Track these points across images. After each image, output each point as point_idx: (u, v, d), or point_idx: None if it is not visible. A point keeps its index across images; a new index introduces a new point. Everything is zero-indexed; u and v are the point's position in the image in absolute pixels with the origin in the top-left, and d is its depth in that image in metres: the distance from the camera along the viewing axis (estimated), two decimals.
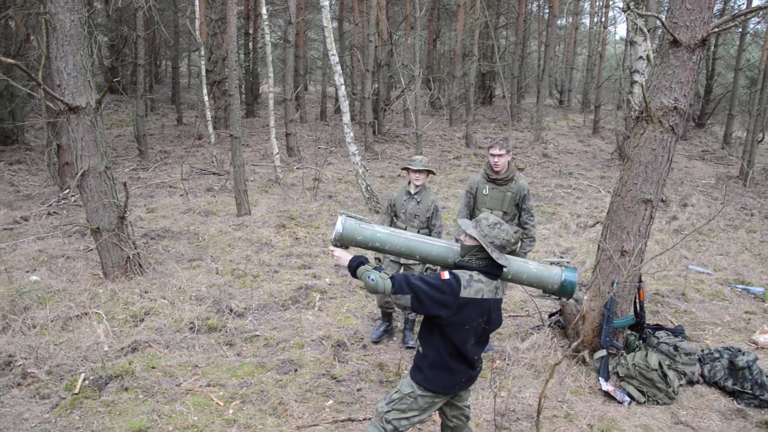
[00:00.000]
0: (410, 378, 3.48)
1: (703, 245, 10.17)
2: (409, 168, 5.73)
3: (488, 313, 3.32)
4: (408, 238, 3.64)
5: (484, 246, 3.25)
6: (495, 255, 3.24)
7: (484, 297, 3.25)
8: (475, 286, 3.23)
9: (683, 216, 11.95)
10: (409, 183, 5.80)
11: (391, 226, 5.82)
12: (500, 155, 5.61)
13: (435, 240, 3.69)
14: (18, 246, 8.34)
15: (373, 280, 3.23)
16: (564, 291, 3.50)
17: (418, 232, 5.67)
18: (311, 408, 4.82)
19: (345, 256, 3.49)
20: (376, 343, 5.96)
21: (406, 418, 3.46)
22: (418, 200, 5.75)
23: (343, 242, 3.61)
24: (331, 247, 3.60)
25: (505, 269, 3.43)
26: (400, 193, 5.88)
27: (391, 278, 3.23)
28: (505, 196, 5.74)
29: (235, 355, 5.70)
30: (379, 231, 3.63)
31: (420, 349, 3.47)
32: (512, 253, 5.70)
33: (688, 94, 5.19)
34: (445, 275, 3.24)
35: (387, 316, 6.07)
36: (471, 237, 3.33)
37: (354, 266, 3.39)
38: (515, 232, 5.76)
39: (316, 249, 8.99)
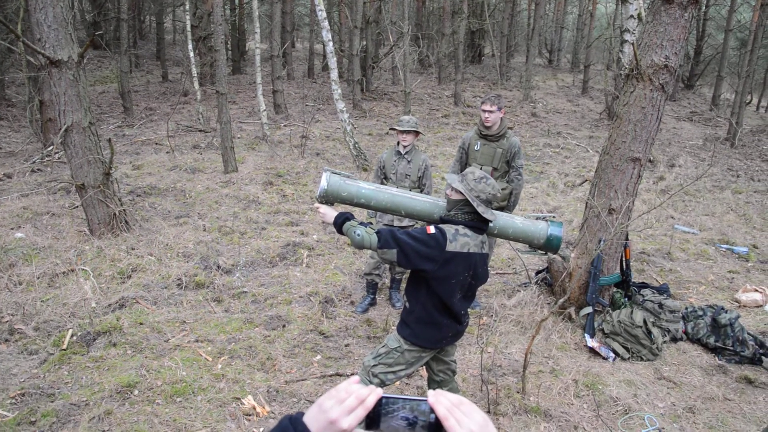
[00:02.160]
0: (397, 333, 3.50)
1: (690, 205, 10.24)
2: (396, 129, 5.67)
3: (474, 268, 3.33)
4: (393, 193, 3.61)
5: (470, 200, 3.23)
6: (481, 209, 3.23)
7: (470, 251, 3.26)
8: (460, 240, 3.22)
9: (670, 176, 12.00)
10: (398, 143, 5.73)
11: None
12: (491, 111, 5.56)
13: (420, 195, 3.67)
14: (1, 203, 8.24)
15: (359, 235, 3.22)
16: (550, 245, 3.51)
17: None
18: (299, 363, 4.86)
19: (330, 212, 3.47)
20: (363, 312, 5.90)
21: (393, 372, 3.49)
22: (409, 160, 5.67)
23: (328, 199, 3.59)
24: (317, 204, 3.58)
25: (491, 224, 3.43)
26: (390, 154, 5.78)
27: (377, 233, 3.22)
28: (495, 152, 5.71)
29: (223, 311, 5.71)
30: (365, 187, 3.60)
31: (407, 304, 3.48)
32: (501, 209, 5.72)
33: (679, 53, 5.14)
34: (431, 229, 3.23)
35: (372, 287, 6.00)
36: (457, 191, 3.31)
37: (339, 222, 3.37)
38: (503, 189, 5.76)
39: (304, 206, 8.96)
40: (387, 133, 14.58)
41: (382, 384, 3.50)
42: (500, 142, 5.72)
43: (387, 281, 6.39)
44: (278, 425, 1.17)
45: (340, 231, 3.38)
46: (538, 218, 3.62)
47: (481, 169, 5.70)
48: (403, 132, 5.59)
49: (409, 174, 5.66)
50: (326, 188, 3.54)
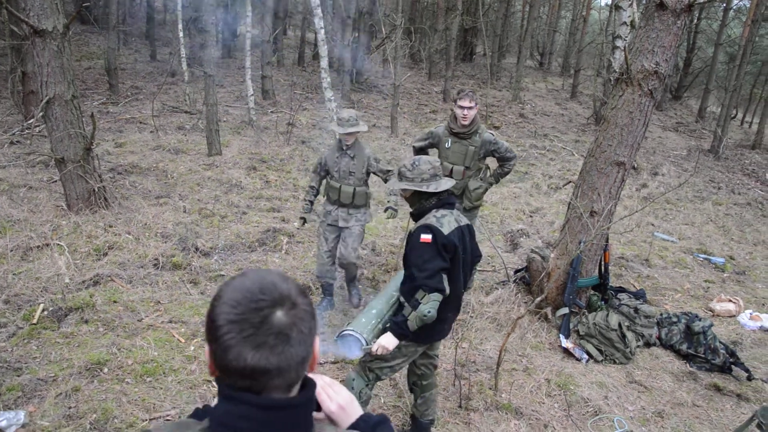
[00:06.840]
0: None
1: (670, 214, 10.32)
2: (335, 131, 5.23)
3: (464, 240, 3.36)
4: (385, 291, 3.59)
5: (418, 189, 3.30)
6: (432, 187, 3.29)
7: (459, 225, 3.32)
8: (445, 220, 3.27)
9: (653, 184, 12.09)
10: (339, 140, 5.33)
11: (322, 186, 5.55)
12: (470, 107, 5.32)
13: (384, 291, 3.61)
14: None
15: (429, 313, 3.15)
16: None
17: (354, 190, 5.29)
18: None
19: (388, 338, 3.29)
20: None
21: (389, 367, 3.47)
22: (352, 156, 5.29)
23: (369, 341, 3.34)
24: (372, 350, 3.32)
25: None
26: (332, 151, 5.40)
27: (420, 288, 3.18)
28: (467, 150, 5.48)
29: (199, 293, 5.65)
30: (375, 307, 3.48)
31: (405, 303, 3.34)
32: (476, 209, 5.73)
33: (669, 60, 5.15)
34: (423, 237, 3.21)
35: (328, 289, 5.71)
36: (404, 190, 3.37)
37: (399, 332, 3.27)
38: (478, 188, 5.57)
39: (286, 193, 8.90)
40: (374, 125, 14.53)
41: (378, 379, 3.49)
42: (472, 139, 5.47)
43: (341, 282, 6.10)
44: None
45: (411, 332, 3.27)
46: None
47: (452, 168, 5.51)
48: (344, 135, 5.21)
49: (354, 171, 5.30)
50: (363, 344, 3.31)
